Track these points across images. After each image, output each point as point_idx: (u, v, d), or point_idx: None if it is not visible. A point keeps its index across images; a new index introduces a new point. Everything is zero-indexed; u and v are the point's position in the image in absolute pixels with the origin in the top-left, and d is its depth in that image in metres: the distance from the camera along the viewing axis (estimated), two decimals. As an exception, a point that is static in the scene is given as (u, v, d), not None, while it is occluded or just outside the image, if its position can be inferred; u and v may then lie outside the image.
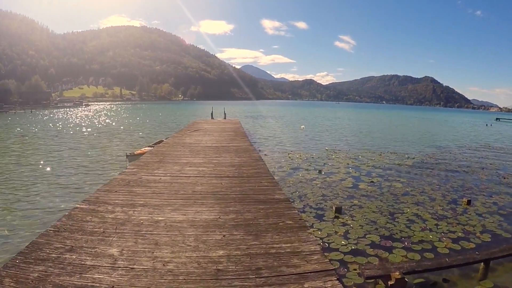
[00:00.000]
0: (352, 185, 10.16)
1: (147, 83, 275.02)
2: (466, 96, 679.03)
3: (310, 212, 7.61)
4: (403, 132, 32.03)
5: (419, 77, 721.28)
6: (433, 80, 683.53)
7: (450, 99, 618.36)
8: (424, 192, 9.75)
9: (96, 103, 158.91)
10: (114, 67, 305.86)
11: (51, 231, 4.05)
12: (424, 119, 69.94)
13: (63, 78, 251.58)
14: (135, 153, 12.43)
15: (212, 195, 5.68)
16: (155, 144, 14.38)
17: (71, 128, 27.52)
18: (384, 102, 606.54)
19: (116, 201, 5.22)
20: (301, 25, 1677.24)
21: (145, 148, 13.34)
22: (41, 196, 8.63)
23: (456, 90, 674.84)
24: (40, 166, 12.41)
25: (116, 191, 5.76)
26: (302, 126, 30.48)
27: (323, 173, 11.65)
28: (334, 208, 7.65)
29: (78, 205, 5.02)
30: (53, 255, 3.46)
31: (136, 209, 4.88)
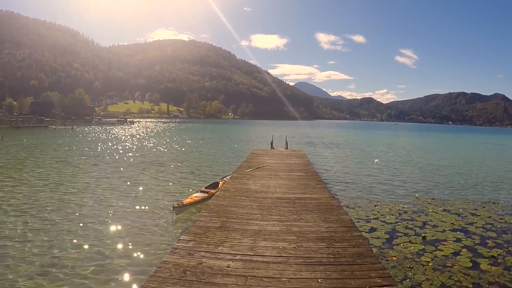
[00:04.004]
0: (471, 264, 7.94)
1: (195, 100, 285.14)
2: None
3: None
4: (491, 167, 28.39)
5: (488, 94, 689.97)
6: (503, 98, 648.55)
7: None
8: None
9: (141, 119, 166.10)
10: (161, 82, 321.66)
11: None
12: (504, 146, 62.79)
13: (107, 92, 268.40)
14: (184, 202, 11.03)
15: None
16: (208, 187, 12.99)
17: (109, 155, 27.30)
18: (450, 122, 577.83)
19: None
20: (359, 38, 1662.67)
21: (196, 195, 11.88)
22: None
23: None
24: (56, 216, 10.94)
25: (167, 297, 4.23)
26: (376, 160, 28.10)
27: (428, 240, 9.57)
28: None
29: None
30: None
31: None
